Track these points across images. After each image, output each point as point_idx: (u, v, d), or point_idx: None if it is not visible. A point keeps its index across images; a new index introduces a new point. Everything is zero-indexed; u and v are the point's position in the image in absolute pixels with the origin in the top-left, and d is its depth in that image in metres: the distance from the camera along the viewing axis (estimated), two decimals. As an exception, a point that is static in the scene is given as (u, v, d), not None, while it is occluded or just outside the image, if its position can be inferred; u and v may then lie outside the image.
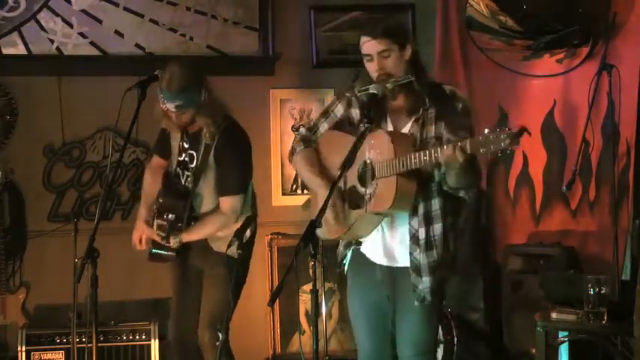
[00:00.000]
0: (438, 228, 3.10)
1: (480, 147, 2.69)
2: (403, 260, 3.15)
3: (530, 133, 2.64)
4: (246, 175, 3.96)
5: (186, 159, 3.96)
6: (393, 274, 3.18)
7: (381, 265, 3.20)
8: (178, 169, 3.99)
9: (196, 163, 3.91)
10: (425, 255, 3.09)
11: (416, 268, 3.11)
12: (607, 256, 4.38)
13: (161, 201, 3.94)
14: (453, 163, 2.81)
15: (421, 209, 3.10)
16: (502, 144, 2.63)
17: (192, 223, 3.92)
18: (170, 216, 3.85)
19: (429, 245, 3.09)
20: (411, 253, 3.12)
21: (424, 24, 5.28)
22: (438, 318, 3.28)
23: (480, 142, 2.70)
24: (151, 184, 4.09)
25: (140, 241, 3.99)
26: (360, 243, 3.27)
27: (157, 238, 3.88)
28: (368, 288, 3.26)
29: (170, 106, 3.75)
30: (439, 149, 2.82)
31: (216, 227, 3.88)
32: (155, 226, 3.88)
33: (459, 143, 2.75)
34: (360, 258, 3.27)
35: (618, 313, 3.85)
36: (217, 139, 3.84)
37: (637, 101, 4.29)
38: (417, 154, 2.90)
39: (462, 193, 3.08)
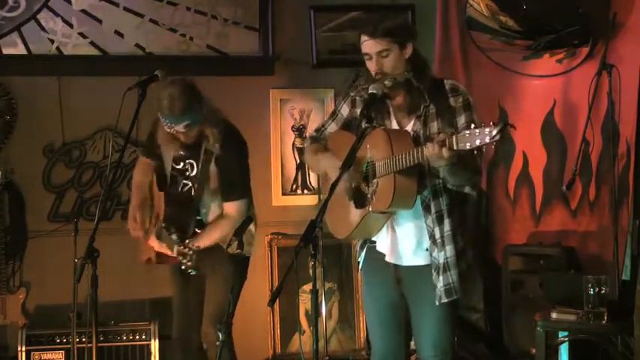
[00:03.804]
0: (447, 224, 3.10)
1: (466, 142, 2.69)
2: (411, 259, 3.16)
3: (514, 127, 2.64)
4: (247, 179, 3.98)
5: (185, 167, 3.96)
6: (406, 272, 3.18)
7: (395, 265, 3.20)
8: (178, 176, 3.98)
9: (197, 172, 3.91)
10: (442, 253, 3.10)
11: (436, 267, 3.11)
12: (607, 256, 4.37)
13: (167, 210, 3.93)
14: (441, 161, 2.79)
15: (433, 207, 3.10)
16: (487, 138, 2.63)
17: (198, 231, 3.92)
18: (192, 245, 3.71)
19: (443, 243, 3.10)
20: (430, 253, 3.12)
21: (424, 24, 5.27)
22: (456, 317, 3.25)
23: (466, 138, 2.69)
24: (142, 176, 4.11)
25: (134, 229, 3.98)
26: (374, 241, 3.27)
27: (180, 264, 3.78)
28: (380, 287, 3.26)
29: (179, 128, 3.75)
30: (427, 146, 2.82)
31: (225, 232, 3.87)
32: (176, 253, 3.73)
33: (447, 140, 2.74)
34: (374, 257, 3.26)
35: (618, 313, 3.85)
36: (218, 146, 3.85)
37: (637, 101, 4.29)
38: (410, 152, 2.90)
39: (467, 189, 3.07)
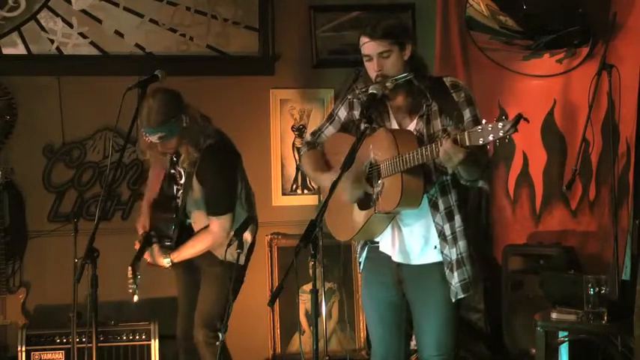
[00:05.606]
0: (458, 220, 3.10)
1: (479, 138, 2.68)
2: (419, 258, 3.15)
3: (527, 120, 2.64)
4: (231, 194, 3.90)
5: (175, 174, 3.97)
6: (412, 272, 3.17)
7: (398, 264, 3.19)
8: (171, 180, 4.00)
9: (184, 180, 3.92)
10: (454, 250, 3.09)
11: (448, 264, 3.10)
12: (607, 256, 4.38)
13: (153, 216, 3.96)
14: (454, 157, 2.78)
15: (441, 205, 3.09)
16: (500, 132, 2.62)
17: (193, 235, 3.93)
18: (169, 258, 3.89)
19: (455, 240, 3.09)
20: (441, 251, 3.11)
21: (424, 24, 5.28)
22: (459, 317, 3.23)
23: (479, 133, 2.68)
24: (152, 180, 4.12)
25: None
26: (375, 241, 3.26)
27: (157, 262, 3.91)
28: (381, 287, 3.25)
29: (153, 139, 3.74)
30: (440, 143, 2.81)
31: (205, 246, 3.88)
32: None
33: (458, 136, 2.74)
34: (375, 257, 3.26)
35: (618, 313, 3.85)
36: (198, 162, 3.81)
37: (637, 101, 4.30)
38: (419, 150, 2.89)
39: (480, 184, 3.07)
